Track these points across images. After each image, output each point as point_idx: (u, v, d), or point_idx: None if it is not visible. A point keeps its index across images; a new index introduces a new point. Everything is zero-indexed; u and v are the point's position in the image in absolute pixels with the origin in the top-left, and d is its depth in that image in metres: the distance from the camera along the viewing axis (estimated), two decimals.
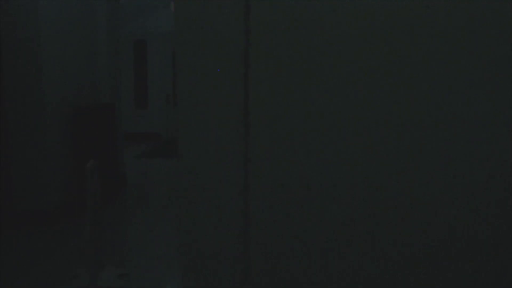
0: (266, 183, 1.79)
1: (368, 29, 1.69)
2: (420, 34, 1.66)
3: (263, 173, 1.78)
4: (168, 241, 4.33)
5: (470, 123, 1.67)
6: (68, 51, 5.33)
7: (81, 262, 3.81)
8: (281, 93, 1.77)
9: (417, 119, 1.70)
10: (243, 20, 1.75)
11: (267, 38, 1.76)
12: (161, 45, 11.85)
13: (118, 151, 6.28)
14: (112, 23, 6.36)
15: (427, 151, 1.68)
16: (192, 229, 1.86)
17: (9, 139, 4.81)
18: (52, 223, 4.85)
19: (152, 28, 11.77)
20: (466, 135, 1.68)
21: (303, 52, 1.73)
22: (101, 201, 3.49)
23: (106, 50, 6.14)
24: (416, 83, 1.67)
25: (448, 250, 1.71)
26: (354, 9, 1.69)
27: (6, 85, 4.75)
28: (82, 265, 3.73)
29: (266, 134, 1.77)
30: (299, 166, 1.76)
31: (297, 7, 1.74)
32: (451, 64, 1.66)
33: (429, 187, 1.70)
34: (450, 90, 1.67)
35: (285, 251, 1.79)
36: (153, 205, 5.66)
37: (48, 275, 3.60)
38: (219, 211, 1.83)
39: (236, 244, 1.82)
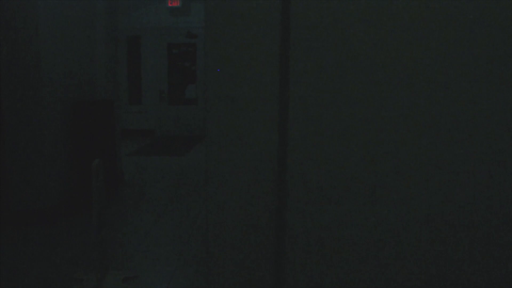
0: (303, 182, 1.70)
1: (411, 25, 1.60)
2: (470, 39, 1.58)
3: (301, 172, 1.68)
4: (170, 242, 4.23)
5: None
6: (66, 47, 5.18)
7: (83, 265, 3.69)
8: (321, 91, 1.67)
9: (469, 121, 1.61)
10: (279, 13, 1.65)
11: (307, 34, 1.66)
12: (156, 40, 11.68)
13: (116, 148, 6.15)
14: (111, 19, 6.22)
15: (480, 153, 1.60)
16: (221, 230, 1.76)
17: (6, 137, 4.65)
18: (50, 223, 4.72)
19: (146, 23, 11.59)
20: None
21: (345, 49, 1.64)
22: (105, 201, 3.38)
23: (104, 47, 6.00)
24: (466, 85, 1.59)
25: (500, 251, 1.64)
26: (397, 6, 1.60)
27: (3, 81, 4.59)
28: (85, 268, 3.61)
29: (305, 132, 1.68)
30: (340, 166, 1.67)
31: (338, 2, 1.64)
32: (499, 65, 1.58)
33: (484, 185, 1.62)
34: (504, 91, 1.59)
35: (322, 253, 1.70)
36: (153, 205, 5.55)
37: (47, 279, 3.48)
38: (251, 211, 1.74)
39: (268, 244, 1.73)
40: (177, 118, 11.84)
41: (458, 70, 1.62)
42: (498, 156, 1.65)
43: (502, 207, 1.67)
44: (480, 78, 1.61)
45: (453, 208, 1.64)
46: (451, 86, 1.64)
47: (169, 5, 10.74)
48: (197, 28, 11.47)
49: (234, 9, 1.64)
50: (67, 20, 5.18)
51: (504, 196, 1.66)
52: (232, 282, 1.76)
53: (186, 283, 3.39)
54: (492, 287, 1.69)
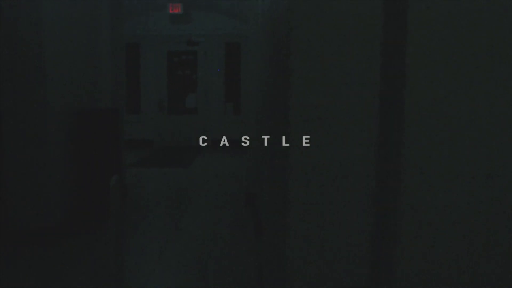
0: (416, 190, 1.49)
1: None
2: None
3: (415, 179, 1.47)
4: (186, 263, 3.92)
5: None
6: (72, 56, 4.89)
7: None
8: (439, 94, 1.43)
9: None
10: (381, 13, 1.41)
11: (424, 34, 1.42)
12: (156, 48, 11.41)
13: (121, 159, 5.84)
14: (116, 27, 5.97)
15: None
16: (311, 232, 1.56)
17: (7, 148, 4.33)
18: (55, 243, 4.38)
19: (146, 30, 11.32)
20: None
21: (464, 50, 1.40)
22: (123, 220, 3.08)
23: (109, 54, 5.71)
24: None
25: None
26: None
27: (6, 90, 4.28)
28: None
29: (421, 137, 1.45)
30: (457, 173, 1.45)
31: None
32: None
33: None
34: None
35: (435, 257, 1.49)
36: (162, 222, 5.23)
37: None
38: (346, 216, 1.54)
39: (364, 246, 1.54)
40: (177, 128, 11.54)
41: None
42: None
43: None
44: None
45: None
46: None
47: (170, 12, 10.48)
48: (198, 35, 11.22)
49: (328, 10, 1.40)
50: (72, 26, 4.90)
51: None
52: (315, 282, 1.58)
53: None
54: None
